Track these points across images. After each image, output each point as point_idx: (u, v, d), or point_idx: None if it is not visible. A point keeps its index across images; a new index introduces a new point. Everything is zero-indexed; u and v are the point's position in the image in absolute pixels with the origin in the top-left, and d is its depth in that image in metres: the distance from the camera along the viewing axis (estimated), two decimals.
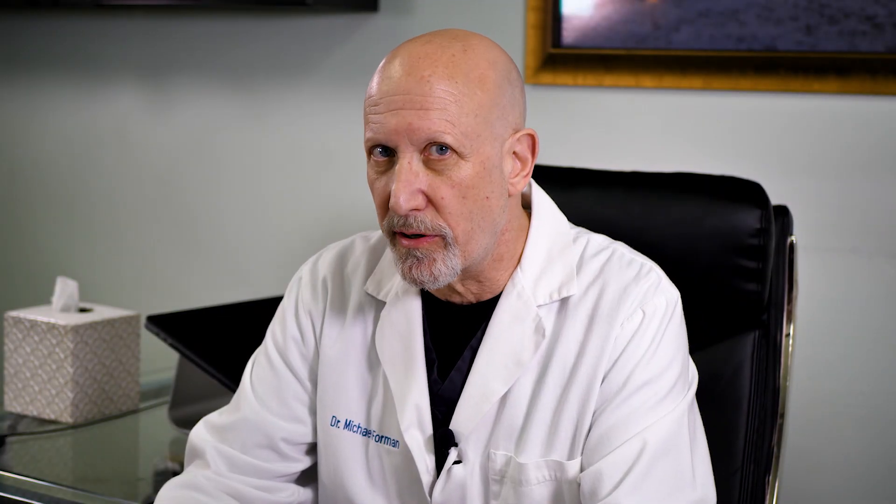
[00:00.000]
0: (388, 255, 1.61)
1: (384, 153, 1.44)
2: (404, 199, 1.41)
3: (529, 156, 1.50)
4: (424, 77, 1.41)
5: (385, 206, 1.45)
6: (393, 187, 1.41)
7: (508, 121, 1.47)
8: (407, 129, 1.41)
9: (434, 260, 1.44)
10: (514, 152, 1.49)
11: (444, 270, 1.45)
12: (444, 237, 1.44)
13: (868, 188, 2.22)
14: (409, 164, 1.41)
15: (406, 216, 1.42)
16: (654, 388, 1.47)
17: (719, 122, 2.33)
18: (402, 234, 1.45)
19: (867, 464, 2.25)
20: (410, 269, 1.45)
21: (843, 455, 2.26)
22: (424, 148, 1.41)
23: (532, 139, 1.50)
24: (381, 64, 1.47)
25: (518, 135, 1.48)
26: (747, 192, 1.81)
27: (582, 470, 1.47)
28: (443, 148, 1.41)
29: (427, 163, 1.42)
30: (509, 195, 1.49)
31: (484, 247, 1.47)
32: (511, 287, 1.52)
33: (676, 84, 2.34)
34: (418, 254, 1.44)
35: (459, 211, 1.43)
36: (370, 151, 1.45)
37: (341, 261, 1.65)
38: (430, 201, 1.43)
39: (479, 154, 1.43)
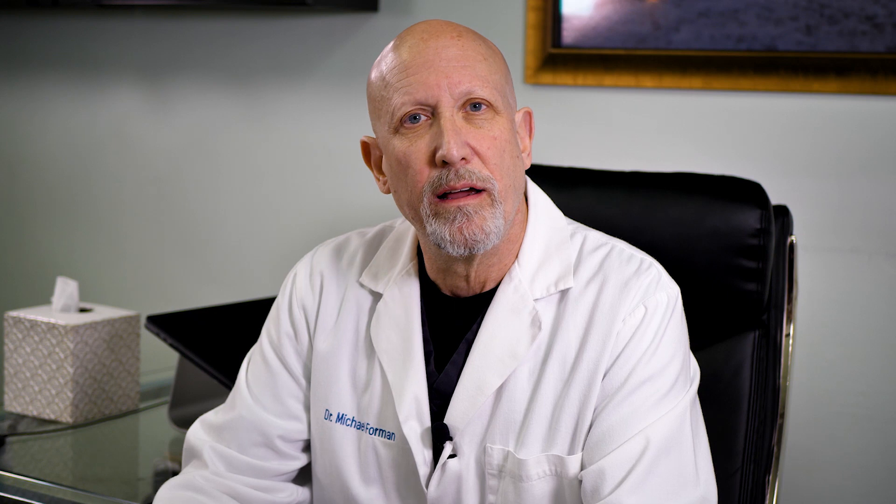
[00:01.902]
0: (385, 248, 1.62)
1: (414, 119, 1.45)
2: (457, 148, 1.42)
3: (528, 136, 1.55)
4: (454, 36, 1.46)
5: (424, 171, 1.44)
6: (442, 139, 1.42)
7: (514, 95, 1.52)
8: (448, 83, 1.43)
9: (484, 217, 1.44)
10: (518, 131, 1.52)
11: (493, 228, 1.45)
12: (490, 191, 1.44)
13: (868, 188, 2.22)
14: (453, 117, 1.44)
15: (458, 168, 1.42)
16: (656, 384, 1.47)
17: (719, 122, 2.33)
18: (444, 197, 1.43)
19: (867, 464, 2.25)
20: (461, 229, 1.44)
21: (843, 455, 2.26)
22: (462, 105, 1.44)
23: (530, 117, 1.55)
24: (391, 46, 1.49)
25: (522, 111, 1.54)
26: (747, 192, 1.81)
27: (583, 467, 1.47)
28: (477, 105, 1.44)
29: (466, 119, 1.45)
30: None
31: (511, 213, 1.48)
32: (508, 280, 1.53)
33: (676, 84, 2.34)
34: (469, 209, 1.43)
35: (501, 164, 1.45)
36: (400, 122, 1.45)
37: (337, 255, 1.65)
38: (476, 153, 1.44)
39: (507, 112, 1.48)
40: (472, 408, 1.50)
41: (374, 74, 1.50)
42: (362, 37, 2.64)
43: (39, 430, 2.25)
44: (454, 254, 1.46)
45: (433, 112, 1.44)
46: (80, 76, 3.02)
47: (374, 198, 2.64)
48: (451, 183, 1.43)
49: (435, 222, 1.45)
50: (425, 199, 1.45)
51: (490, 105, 1.45)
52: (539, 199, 1.58)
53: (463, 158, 1.42)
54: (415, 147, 1.45)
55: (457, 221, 1.44)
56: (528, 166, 1.53)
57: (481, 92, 1.44)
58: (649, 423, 1.45)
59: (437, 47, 1.45)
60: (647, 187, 1.87)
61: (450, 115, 1.43)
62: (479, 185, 1.43)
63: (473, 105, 1.44)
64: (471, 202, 1.44)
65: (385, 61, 1.48)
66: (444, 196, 1.44)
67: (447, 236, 1.45)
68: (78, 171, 3.05)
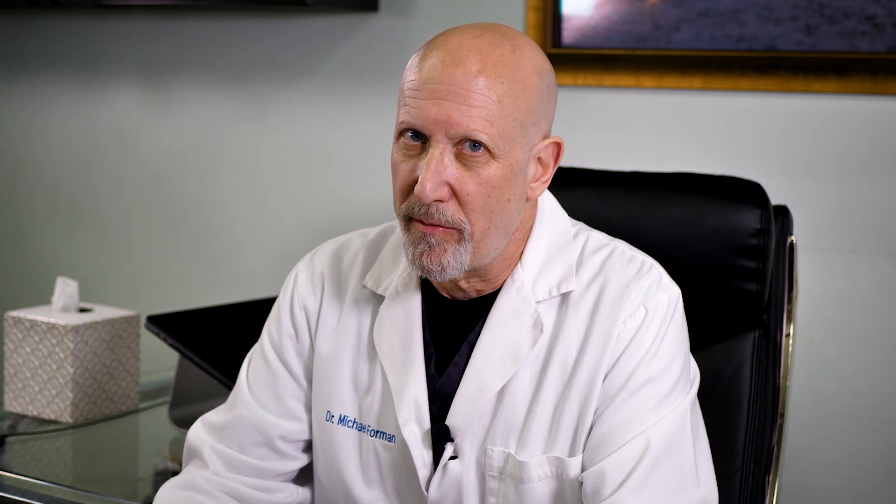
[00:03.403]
0: (388, 249, 1.61)
1: (415, 138, 1.44)
2: (431, 188, 1.41)
3: (552, 163, 1.52)
4: (473, 72, 1.41)
5: (406, 190, 1.45)
6: (421, 175, 1.41)
7: (541, 127, 1.48)
8: (446, 120, 1.40)
9: (445, 251, 1.44)
10: (539, 158, 1.49)
11: (454, 263, 1.45)
12: (460, 231, 1.44)
13: (868, 188, 2.22)
14: (441, 154, 1.41)
15: (429, 206, 1.42)
16: (657, 386, 1.47)
17: (719, 122, 2.33)
18: (418, 220, 1.45)
19: (867, 464, 2.25)
20: (421, 255, 1.45)
21: (843, 455, 2.26)
22: (458, 142, 1.42)
23: (558, 147, 1.51)
24: (424, 48, 1.46)
25: (546, 142, 1.49)
26: (747, 192, 1.81)
27: (584, 469, 1.47)
28: (476, 145, 1.41)
29: (458, 156, 1.42)
30: (527, 199, 1.50)
31: (495, 248, 1.48)
32: (510, 283, 1.52)
33: (676, 84, 2.34)
34: (432, 240, 1.44)
35: (481, 208, 1.43)
36: (400, 133, 1.45)
37: (338, 256, 1.65)
38: (455, 194, 1.43)
39: (509, 156, 1.44)
40: (473, 409, 1.50)
41: (406, 68, 1.48)
42: (362, 37, 2.64)
43: (39, 430, 2.25)
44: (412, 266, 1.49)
45: (426, 139, 1.43)
46: (80, 76, 3.02)
47: (375, 197, 2.64)
48: (421, 217, 1.44)
49: (405, 237, 1.47)
50: (401, 216, 1.47)
51: (487, 149, 1.42)
52: (546, 203, 1.58)
53: (438, 199, 1.42)
54: (404, 165, 1.45)
55: (419, 246, 1.45)
56: (538, 194, 1.51)
57: (480, 136, 1.41)
58: (650, 425, 1.45)
59: (451, 79, 1.41)
60: (647, 187, 1.87)
61: (438, 152, 1.41)
62: (448, 225, 1.43)
63: (473, 145, 1.41)
64: (437, 233, 1.44)
65: (412, 65, 1.45)
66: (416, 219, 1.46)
67: (409, 256, 1.47)
68: (78, 171, 3.05)
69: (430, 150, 1.42)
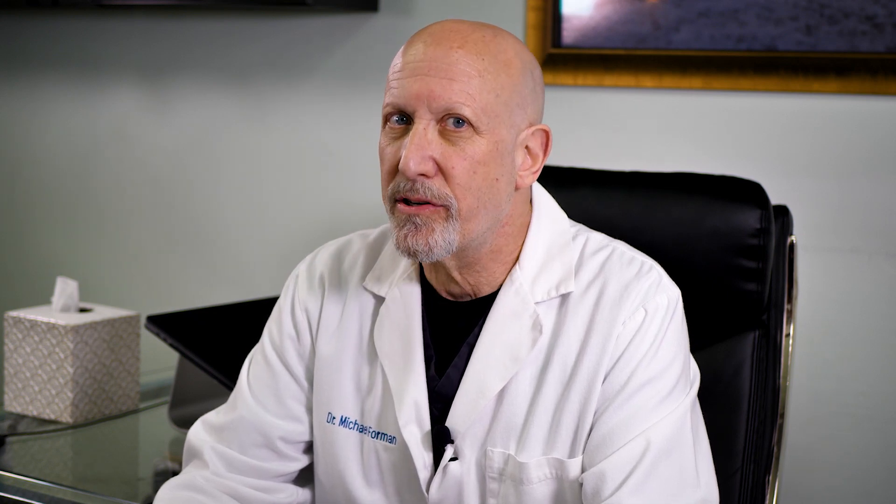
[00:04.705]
0: (388, 251, 1.61)
1: (400, 121, 1.45)
2: (414, 162, 1.41)
3: (541, 153, 1.51)
4: (453, 48, 1.43)
5: (392, 172, 1.45)
6: (404, 151, 1.42)
7: (526, 112, 1.48)
8: (428, 95, 1.42)
9: (433, 230, 1.44)
10: (527, 146, 1.50)
11: (441, 242, 1.44)
12: (448, 208, 1.44)
13: (868, 188, 2.22)
14: (425, 129, 1.42)
15: (413, 181, 1.42)
16: (657, 387, 1.47)
17: (719, 122, 2.33)
18: (403, 202, 1.45)
19: (867, 464, 2.25)
20: (406, 236, 1.45)
21: (843, 455, 2.26)
22: (442, 118, 1.43)
23: (546, 135, 1.51)
24: (408, 40, 1.48)
25: (533, 128, 1.49)
26: (747, 192, 1.81)
27: (584, 470, 1.47)
28: (459, 121, 1.42)
29: (442, 133, 1.43)
30: (516, 188, 1.49)
31: (483, 230, 1.47)
32: (509, 284, 1.52)
33: (676, 84, 2.34)
34: (417, 220, 1.44)
35: (468, 184, 1.43)
36: (386, 119, 1.46)
37: (338, 257, 1.65)
38: (441, 170, 1.43)
39: (494, 134, 1.44)
40: (473, 411, 1.50)
41: (393, 60, 1.50)
42: (362, 37, 2.64)
43: (39, 430, 2.25)
44: (402, 256, 1.49)
45: (411, 120, 1.44)
46: (80, 76, 3.02)
47: (375, 198, 2.64)
48: (407, 195, 1.44)
49: (392, 222, 1.47)
50: (387, 200, 1.47)
51: (471, 124, 1.43)
52: (543, 202, 1.57)
53: (423, 174, 1.42)
54: (390, 148, 1.46)
55: (404, 228, 1.45)
56: (528, 183, 1.51)
57: (462, 110, 1.42)
58: (650, 425, 1.45)
59: (433, 56, 1.43)
60: (647, 187, 1.87)
61: (422, 128, 1.42)
62: (436, 202, 1.43)
63: (456, 121, 1.42)
64: (423, 212, 1.44)
65: (398, 54, 1.48)
66: (401, 200, 1.46)
67: (395, 240, 1.47)
68: (78, 171, 3.05)
69: (414, 126, 1.43)
